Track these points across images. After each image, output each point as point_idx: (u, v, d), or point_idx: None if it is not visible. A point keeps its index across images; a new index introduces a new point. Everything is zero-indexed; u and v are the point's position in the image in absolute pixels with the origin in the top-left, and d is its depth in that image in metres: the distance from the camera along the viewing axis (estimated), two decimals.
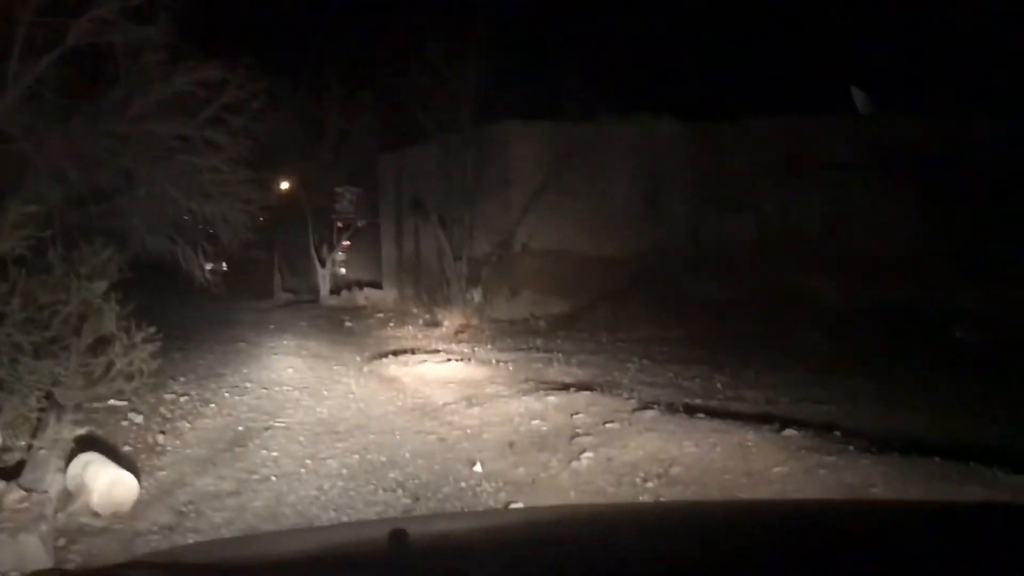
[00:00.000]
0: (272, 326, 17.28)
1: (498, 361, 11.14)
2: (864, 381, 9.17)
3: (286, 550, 2.01)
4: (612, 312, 14.68)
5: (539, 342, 13.13)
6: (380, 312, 18.96)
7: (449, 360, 11.19)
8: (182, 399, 9.45)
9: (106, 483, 5.76)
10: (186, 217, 10.58)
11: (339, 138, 22.05)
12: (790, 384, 9.36)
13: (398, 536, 1.64)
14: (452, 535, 2.05)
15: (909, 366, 9.89)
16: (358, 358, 12.43)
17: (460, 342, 13.65)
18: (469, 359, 11.39)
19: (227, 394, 9.96)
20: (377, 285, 22.83)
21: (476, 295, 15.69)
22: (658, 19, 17.44)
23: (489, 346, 12.91)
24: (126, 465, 6.41)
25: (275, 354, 13.15)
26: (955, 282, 12.47)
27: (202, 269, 11.02)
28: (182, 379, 10.48)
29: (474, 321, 15.35)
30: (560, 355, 11.55)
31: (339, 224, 29.19)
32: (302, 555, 1.84)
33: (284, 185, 24.21)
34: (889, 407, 8.05)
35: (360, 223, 24.88)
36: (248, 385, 10.49)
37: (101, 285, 6.48)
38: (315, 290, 24.26)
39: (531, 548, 1.75)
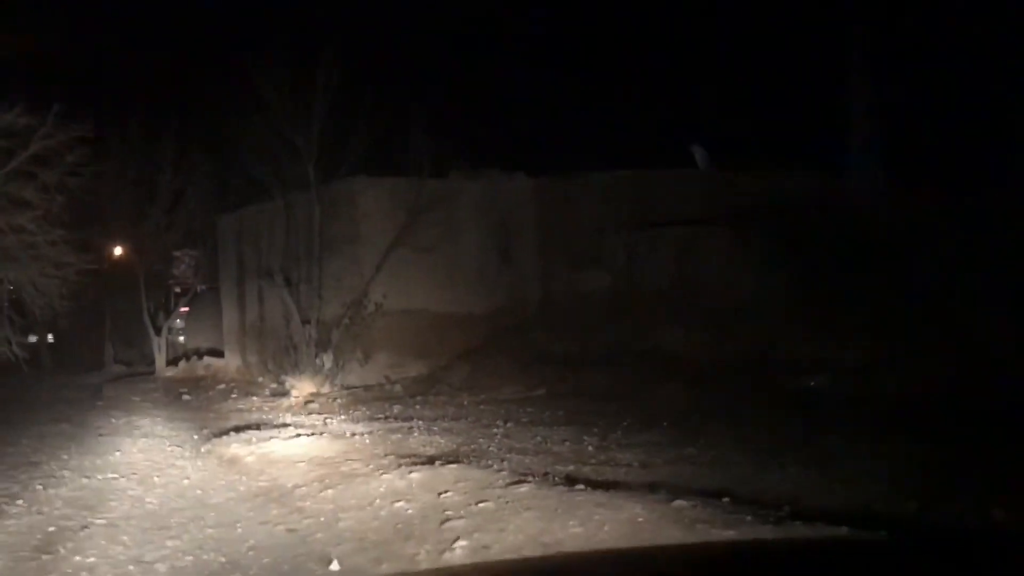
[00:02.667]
0: (100, 403, 15.42)
1: (353, 433, 10.06)
2: (733, 436, 8.75)
3: None
4: (471, 371, 13.90)
5: (396, 409, 12.13)
6: (222, 383, 17.36)
7: (298, 435, 9.99)
8: None
9: None
10: None
11: (174, 198, 20.38)
12: (660, 444, 8.82)
13: None
14: None
15: (771, 417, 9.59)
16: (195, 436, 11.02)
17: (310, 413, 12.43)
18: (321, 433, 10.24)
19: (39, 486, 8.43)
20: (219, 353, 21.09)
21: (327, 360, 14.50)
22: (508, 72, 17.18)
23: (342, 416, 11.78)
24: None
25: (101, 435, 11.58)
26: (801, 333, 12.49)
27: (9, 343, 9.35)
28: None
29: (325, 389, 14.14)
30: (420, 422, 10.60)
31: (177, 289, 27.17)
32: None
33: (115, 249, 22.12)
34: (765, 464, 7.61)
35: (200, 288, 22.89)
36: (66, 474, 8.98)
37: None
38: (151, 361, 22.24)
39: None
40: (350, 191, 14.90)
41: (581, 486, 6.47)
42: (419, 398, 13.05)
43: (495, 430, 9.92)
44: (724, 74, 17.17)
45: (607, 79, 17.72)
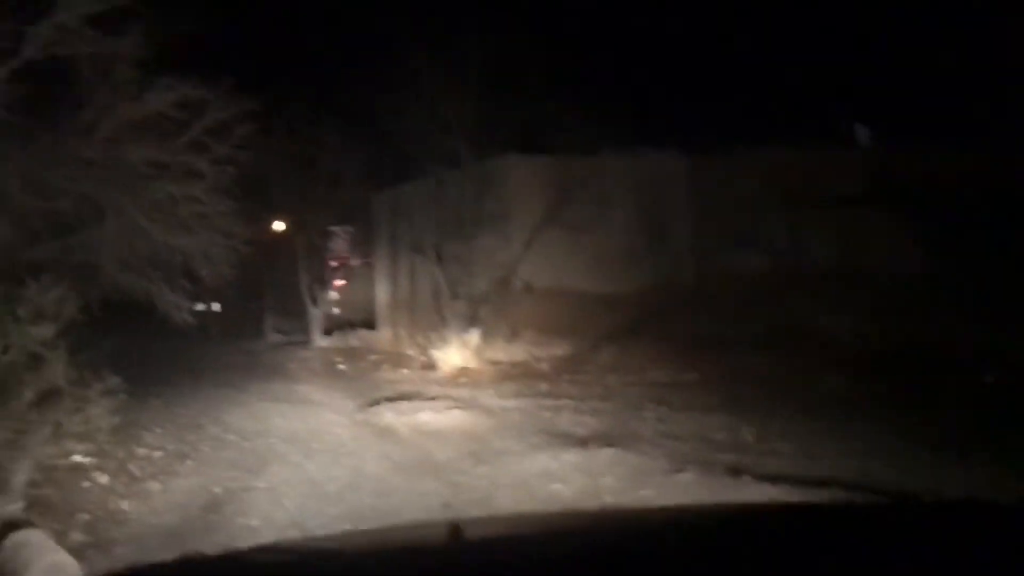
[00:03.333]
0: (261, 370, 16.08)
1: (503, 408, 9.99)
2: (903, 428, 8.05)
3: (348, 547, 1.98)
4: (618, 353, 13.56)
5: (544, 387, 11.97)
6: (374, 354, 17.79)
7: (449, 408, 10.02)
8: (156, 454, 8.29)
9: (41, 573, 4.57)
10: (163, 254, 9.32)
11: (332, 176, 20.96)
12: (823, 434, 8.24)
13: (455, 533, 1.66)
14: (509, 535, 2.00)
15: (943, 409, 8.77)
16: (351, 405, 11.26)
17: (459, 386, 12.49)
18: (470, 406, 10.23)
19: (206, 448, 8.80)
20: (371, 326, 21.67)
21: (474, 336, 14.53)
22: (660, 50, 16.61)
23: (491, 391, 11.75)
24: (77, 542, 5.26)
25: (262, 401, 11.96)
26: (971, 322, 11.42)
27: (179, 309, 9.77)
28: (158, 430, 9.31)
29: (472, 363, 14.19)
30: (569, 401, 10.41)
31: (333, 263, 28.11)
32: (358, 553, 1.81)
33: (276, 223, 23.11)
34: (942, 458, 6.93)
35: (355, 262, 23.65)
36: (231, 437, 9.32)
37: (45, 329, 5.30)
38: (307, 332, 23.13)
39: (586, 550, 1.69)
40: (502, 169, 14.83)
41: (747, 477, 6.07)
42: (566, 377, 12.84)
43: (646, 414, 9.59)
44: (884, 49, 15.91)
45: (763, 55, 16.81)
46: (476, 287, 14.95)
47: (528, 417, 9.40)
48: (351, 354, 18.32)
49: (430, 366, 14.62)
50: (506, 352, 14.56)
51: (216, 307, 32.95)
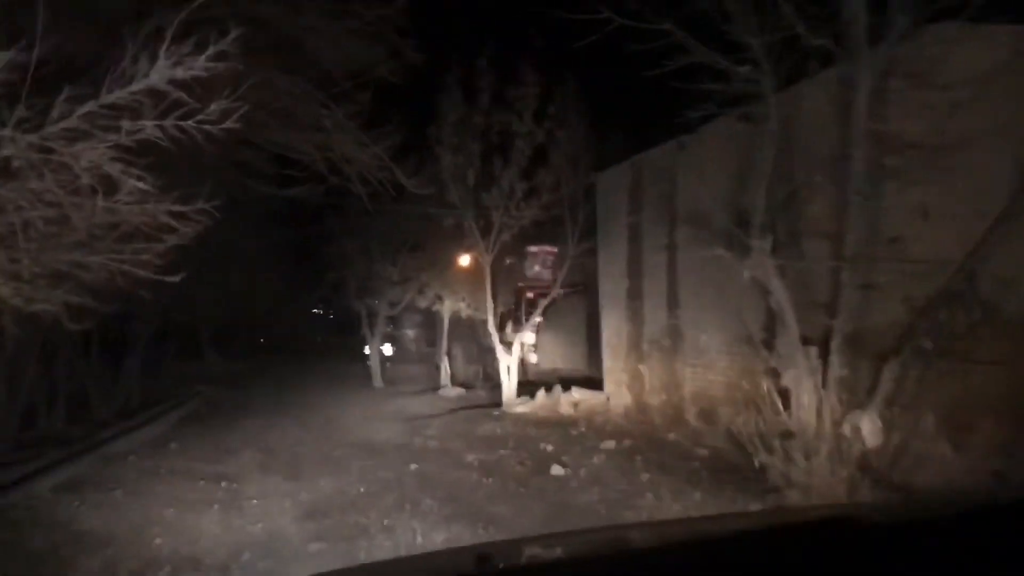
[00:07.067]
0: (415, 465, 8.52)
1: None
2: None
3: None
4: None
5: None
6: (608, 438, 9.83)
7: None
8: None
9: None
10: None
11: (532, 156, 13.30)
12: None
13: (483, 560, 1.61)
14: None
15: None
16: None
17: None
18: None
19: None
20: (590, 381, 13.81)
21: (866, 423, 6.22)
22: None
23: None
24: None
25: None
26: None
27: None
28: None
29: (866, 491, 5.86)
30: None
31: (529, 294, 20.60)
32: None
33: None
34: None
35: (557, 292, 15.59)
36: None
37: None
38: (492, 382, 15.76)
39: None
40: (930, 49, 6.42)
41: None
42: None
43: None
44: None
45: None
46: (869, 313, 6.62)
47: None
48: (565, 433, 10.49)
49: (768, 487, 6.42)
50: (956, 467, 6.08)
51: (387, 349, 26.47)
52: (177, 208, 4.93)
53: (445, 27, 13.68)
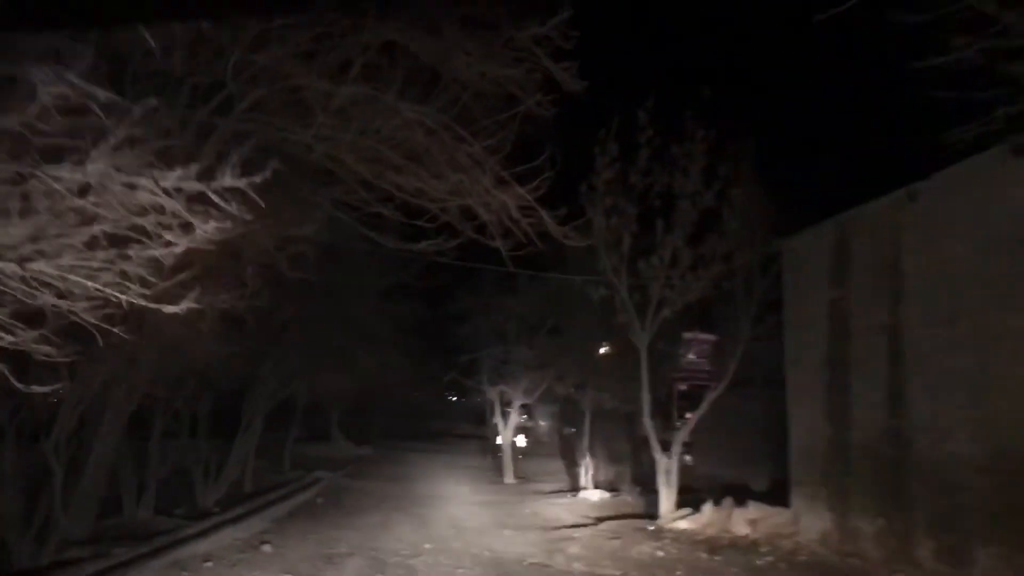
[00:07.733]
0: None
1: None
2: None
3: None
4: None
5: None
6: (807, 572, 7.35)
7: None
8: None
9: None
10: None
11: (700, 221, 11.28)
12: None
13: None
14: None
15: None
16: None
17: None
18: None
19: None
20: (766, 495, 11.24)
21: None
22: None
23: None
24: None
25: None
26: None
27: None
28: None
29: None
30: None
31: (682, 387, 18.21)
32: None
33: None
34: None
35: (713, 386, 13.20)
36: None
37: None
38: (644, 487, 13.55)
39: None
40: None
41: None
42: None
43: None
44: None
45: None
46: None
47: None
48: (750, 563, 8.04)
49: None
50: None
51: (521, 440, 24.46)
52: None
53: (607, 63, 12.08)
